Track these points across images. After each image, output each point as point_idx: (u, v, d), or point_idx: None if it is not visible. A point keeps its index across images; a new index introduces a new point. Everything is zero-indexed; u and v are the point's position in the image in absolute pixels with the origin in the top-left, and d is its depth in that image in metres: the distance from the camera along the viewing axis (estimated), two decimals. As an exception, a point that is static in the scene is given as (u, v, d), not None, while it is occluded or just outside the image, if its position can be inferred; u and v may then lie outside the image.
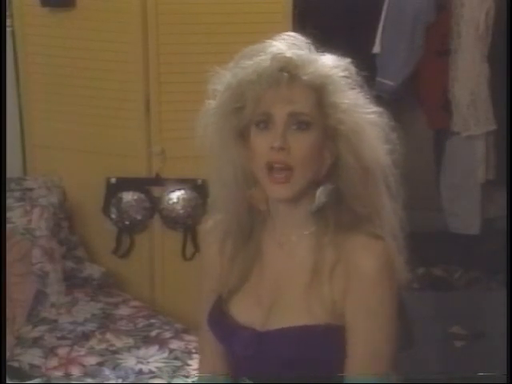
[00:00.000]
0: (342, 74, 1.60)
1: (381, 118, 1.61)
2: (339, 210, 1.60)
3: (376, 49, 3.22)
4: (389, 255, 1.58)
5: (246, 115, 1.58)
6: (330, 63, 1.60)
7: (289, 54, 1.57)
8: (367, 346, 1.57)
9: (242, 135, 1.60)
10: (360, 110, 1.59)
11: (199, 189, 3.32)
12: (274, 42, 1.61)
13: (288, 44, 1.61)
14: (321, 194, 1.60)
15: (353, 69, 1.62)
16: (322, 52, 1.63)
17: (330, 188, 1.60)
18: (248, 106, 1.57)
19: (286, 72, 1.56)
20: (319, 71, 1.57)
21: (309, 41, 1.64)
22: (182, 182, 3.37)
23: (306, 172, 1.57)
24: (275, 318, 1.62)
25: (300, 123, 1.56)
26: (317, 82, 1.57)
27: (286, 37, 1.63)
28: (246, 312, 1.65)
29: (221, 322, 1.68)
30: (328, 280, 1.58)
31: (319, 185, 1.60)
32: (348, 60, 1.62)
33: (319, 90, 1.57)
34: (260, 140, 1.57)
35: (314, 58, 1.60)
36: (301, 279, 1.61)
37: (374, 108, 1.61)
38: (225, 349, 1.72)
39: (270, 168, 1.56)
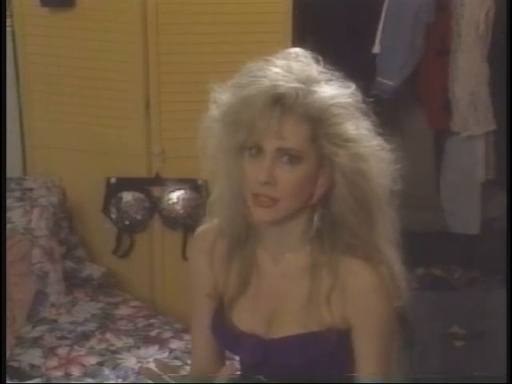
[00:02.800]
0: (343, 103, 1.55)
1: (382, 150, 1.58)
2: (334, 232, 1.60)
3: (376, 49, 3.22)
4: (382, 277, 1.59)
5: (239, 140, 1.56)
6: (328, 94, 1.55)
7: (283, 88, 1.52)
8: (373, 353, 1.61)
9: (242, 150, 1.58)
10: (360, 142, 1.56)
11: (199, 189, 3.32)
12: (274, 67, 1.56)
13: (289, 69, 1.56)
14: (318, 221, 1.60)
15: (358, 96, 1.58)
16: (329, 67, 1.59)
17: (323, 213, 1.59)
18: (241, 133, 1.54)
19: (280, 106, 1.52)
20: (316, 104, 1.53)
21: (316, 58, 1.60)
22: (181, 182, 3.37)
23: (291, 203, 1.56)
24: (276, 327, 1.64)
25: (290, 157, 1.54)
26: (312, 115, 1.53)
27: (291, 57, 1.59)
28: (247, 320, 1.66)
29: (224, 330, 1.69)
30: (325, 304, 1.60)
31: (314, 208, 1.60)
32: (353, 87, 1.58)
33: (314, 122, 1.53)
34: (250, 168, 1.56)
35: (311, 89, 1.54)
36: (297, 300, 1.62)
37: (376, 140, 1.59)
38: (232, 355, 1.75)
39: (256, 196, 1.55)
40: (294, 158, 1.54)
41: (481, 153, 3.30)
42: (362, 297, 1.58)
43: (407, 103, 3.39)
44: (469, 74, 3.21)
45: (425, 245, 3.25)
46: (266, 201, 1.54)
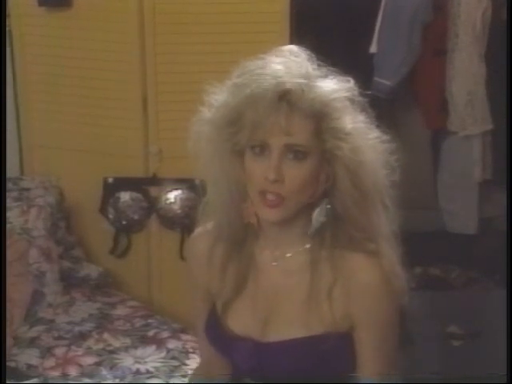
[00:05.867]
0: (343, 97, 1.56)
1: (381, 142, 1.59)
2: (336, 228, 1.59)
3: (373, 48, 3.22)
4: (386, 271, 1.58)
5: (241, 139, 1.55)
6: (330, 88, 1.55)
7: (289, 84, 1.52)
8: (377, 356, 1.60)
9: (238, 150, 1.57)
10: (359, 135, 1.56)
11: (196, 189, 3.31)
12: (274, 64, 1.55)
13: (288, 66, 1.55)
14: (318, 216, 1.59)
15: (356, 91, 1.58)
16: (322, 63, 1.59)
17: (327, 208, 1.59)
18: (244, 132, 1.54)
19: (286, 102, 1.52)
20: (319, 98, 1.53)
21: (310, 55, 1.60)
22: (179, 182, 3.37)
23: (297, 200, 1.56)
24: (272, 330, 1.62)
25: (296, 153, 1.53)
26: (316, 110, 1.53)
27: (286, 55, 1.59)
28: (242, 323, 1.65)
29: (218, 334, 1.68)
30: (327, 300, 1.58)
31: (314, 205, 1.59)
32: (351, 82, 1.58)
33: (318, 117, 1.53)
34: (255, 167, 1.55)
35: (313, 84, 1.54)
36: (298, 297, 1.61)
37: (374, 133, 1.59)
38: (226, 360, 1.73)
39: (264, 194, 1.55)
40: (299, 154, 1.53)
41: (478, 152, 3.30)
42: (366, 292, 1.56)
43: (404, 103, 3.39)
44: (466, 74, 3.21)
45: (422, 244, 3.25)
46: (274, 200, 1.54)
